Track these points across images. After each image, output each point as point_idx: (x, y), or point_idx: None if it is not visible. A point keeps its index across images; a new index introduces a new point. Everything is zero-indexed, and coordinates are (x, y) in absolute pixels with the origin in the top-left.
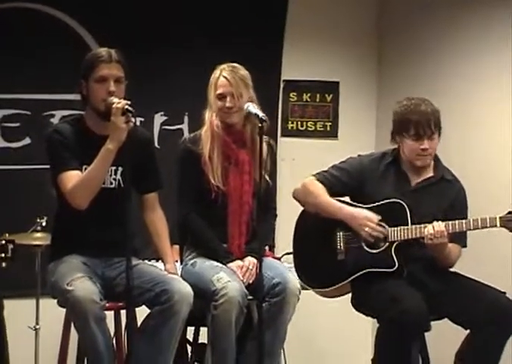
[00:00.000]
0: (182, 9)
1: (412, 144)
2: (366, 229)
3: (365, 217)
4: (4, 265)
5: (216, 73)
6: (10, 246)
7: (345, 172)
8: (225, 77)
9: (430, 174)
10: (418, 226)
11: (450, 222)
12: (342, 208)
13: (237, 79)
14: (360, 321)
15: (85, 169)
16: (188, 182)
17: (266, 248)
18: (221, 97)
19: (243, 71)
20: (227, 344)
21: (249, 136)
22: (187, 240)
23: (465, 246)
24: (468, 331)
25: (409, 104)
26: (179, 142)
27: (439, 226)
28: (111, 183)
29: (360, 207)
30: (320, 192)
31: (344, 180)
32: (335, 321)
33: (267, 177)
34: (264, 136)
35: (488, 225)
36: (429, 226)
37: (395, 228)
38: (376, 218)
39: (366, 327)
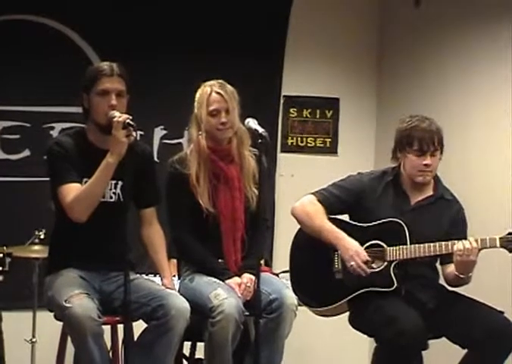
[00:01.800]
0: (184, 25)
1: (415, 159)
2: (352, 263)
3: (355, 252)
4: (0, 278)
5: (206, 90)
6: (8, 260)
7: (345, 190)
8: (218, 93)
9: (430, 193)
10: (417, 245)
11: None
12: (337, 235)
13: (229, 94)
14: (357, 339)
15: (86, 182)
16: (178, 203)
17: (262, 262)
18: (214, 114)
19: (231, 87)
20: (223, 360)
21: (236, 151)
22: (183, 256)
23: None
24: (466, 350)
25: (414, 120)
26: (166, 164)
27: (472, 243)
28: (111, 197)
29: (358, 226)
30: (319, 214)
31: (344, 198)
32: (332, 339)
33: (256, 191)
34: (252, 149)
35: (488, 246)
36: (460, 243)
37: (394, 248)
38: (364, 256)
39: (363, 345)
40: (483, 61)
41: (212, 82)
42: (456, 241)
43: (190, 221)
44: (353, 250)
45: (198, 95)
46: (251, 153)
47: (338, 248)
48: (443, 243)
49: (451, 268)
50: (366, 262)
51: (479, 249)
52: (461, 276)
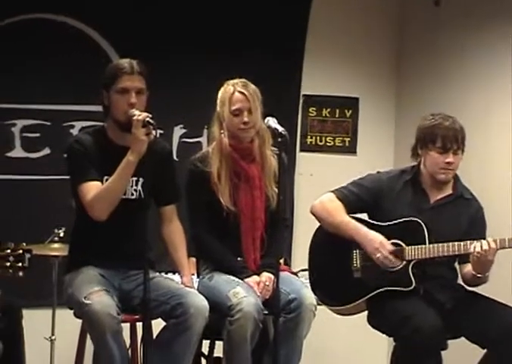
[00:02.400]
0: (204, 22)
1: (437, 157)
2: (378, 255)
3: (380, 243)
4: (21, 274)
5: (229, 89)
6: (28, 256)
7: (364, 189)
8: (240, 92)
9: (449, 191)
10: (436, 245)
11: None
12: (359, 229)
13: (252, 93)
14: (376, 339)
15: (106, 180)
16: (198, 201)
17: (281, 261)
18: (237, 114)
19: (254, 86)
20: (242, 359)
21: (258, 150)
22: (202, 254)
23: None
24: (485, 350)
25: (437, 118)
26: (187, 162)
27: (489, 243)
28: (132, 194)
29: (377, 225)
30: (338, 210)
31: (363, 197)
32: (351, 338)
33: (276, 190)
34: (273, 148)
35: (507, 246)
36: (477, 243)
37: (413, 247)
38: (390, 246)
39: (382, 345)
40: (504, 60)
41: (235, 81)
42: (474, 241)
43: (210, 219)
44: (377, 242)
45: (220, 93)
46: (273, 152)
47: (361, 242)
48: (462, 242)
49: (468, 268)
50: (392, 253)
51: (498, 249)
52: (478, 275)
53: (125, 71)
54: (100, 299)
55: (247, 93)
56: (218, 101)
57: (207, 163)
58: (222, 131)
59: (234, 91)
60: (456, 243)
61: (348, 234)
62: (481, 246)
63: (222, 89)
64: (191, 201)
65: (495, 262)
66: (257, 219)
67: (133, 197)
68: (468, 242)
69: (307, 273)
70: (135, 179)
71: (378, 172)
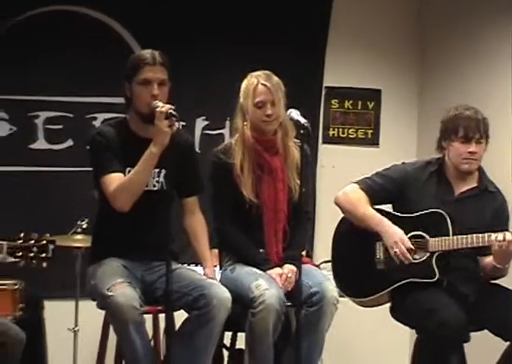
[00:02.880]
0: (226, 14)
1: (460, 147)
2: (396, 250)
3: (399, 238)
4: (44, 265)
5: (252, 81)
6: (51, 247)
7: (389, 179)
8: (264, 85)
9: (474, 184)
10: (460, 236)
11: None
12: (381, 222)
13: (275, 85)
14: (398, 331)
15: (129, 172)
16: (222, 193)
17: (304, 253)
18: (260, 106)
19: (277, 78)
20: (265, 351)
21: (281, 142)
22: (225, 246)
23: None
24: (508, 342)
25: (459, 109)
26: (210, 154)
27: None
28: (154, 186)
29: (401, 217)
30: (362, 201)
31: (388, 188)
32: (373, 331)
33: (299, 182)
34: (296, 140)
35: None
36: (500, 234)
37: (437, 239)
38: (408, 243)
39: (404, 337)
40: None
41: (258, 73)
42: (497, 233)
43: (233, 211)
44: (397, 237)
45: (244, 85)
46: (296, 144)
47: (381, 234)
48: (485, 234)
49: (489, 259)
50: (409, 250)
51: None
52: (498, 266)
53: (147, 62)
54: (123, 290)
55: (270, 85)
56: (241, 92)
57: (230, 155)
58: (245, 123)
59: (258, 83)
60: (480, 235)
61: (370, 226)
62: (504, 237)
63: (245, 80)
64: (214, 192)
65: None
66: (279, 211)
67: (155, 189)
68: (492, 233)
69: (329, 265)
70: (157, 170)
71: (403, 163)
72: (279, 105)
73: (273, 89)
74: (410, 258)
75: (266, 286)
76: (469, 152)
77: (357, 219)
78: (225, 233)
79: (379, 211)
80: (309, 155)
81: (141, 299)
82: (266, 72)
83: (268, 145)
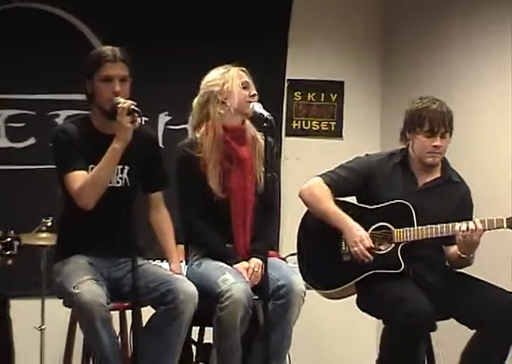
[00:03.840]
0: (186, 8)
1: (424, 140)
2: (355, 249)
3: (359, 237)
4: (10, 262)
5: (230, 68)
6: (16, 243)
7: (353, 172)
8: (243, 71)
9: (438, 175)
10: (425, 227)
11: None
12: (343, 219)
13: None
14: (365, 322)
15: (92, 169)
16: (188, 188)
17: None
18: (245, 86)
19: None
20: (232, 345)
21: (248, 131)
22: (192, 241)
23: None
24: (474, 331)
25: (424, 101)
26: (175, 148)
27: (476, 223)
28: (118, 182)
29: (365, 208)
30: (326, 197)
31: (352, 180)
32: (340, 322)
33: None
34: (260, 133)
35: (494, 226)
36: (464, 223)
37: (401, 229)
38: (368, 243)
39: (371, 328)
40: (491, 43)
41: (226, 65)
42: (462, 222)
43: (200, 205)
44: (357, 236)
45: (216, 74)
46: (262, 136)
47: (343, 232)
48: (449, 224)
49: (454, 249)
50: (369, 249)
51: (485, 230)
52: (463, 256)
53: (108, 59)
54: (89, 288)
55: (247, 71)
56: (216, 81)
57: (195, 149)
58: (222, 108)
59: (237, 69)
60: (444, 225)
61: (332, 223)
62: (467, 227)
63: (215, 71)
64: (180, 187)
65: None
66: (248, 201)
67: (119, 185)
68: (456, 223)
69: (295, 257)
70: (120, 167)
71: (366, 155)
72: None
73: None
74: (370, 256)
75: (233, 280)
76: (434, 146)
77: (320, 215)
78: (192, 228)
79: (345, 203)
80: (273, 147)
81: (107, 296)
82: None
83: (237, 134)
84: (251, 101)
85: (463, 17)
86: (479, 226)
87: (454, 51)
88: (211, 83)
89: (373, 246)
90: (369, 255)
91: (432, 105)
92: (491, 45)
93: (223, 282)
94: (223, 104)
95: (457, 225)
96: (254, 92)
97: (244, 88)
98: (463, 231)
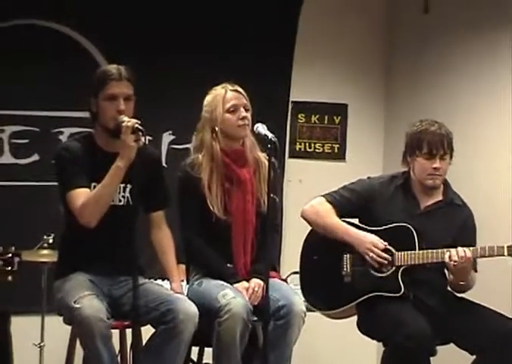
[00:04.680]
0: (191, 28)
1: (424, 163)
2: (371, 254)
3: (371, 242)
4: (10, 278)
5: (219, 91)
6: (17, 260)
7: (355, 193)
8: (234, 90)
9: (439, 197)
10: (426, 251)
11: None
12: (350, 230)
13: (244, 93)
14: (365, 344)
15: (94, 187)
16: (189, 208)
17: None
18: (233, 110)
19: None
20: (232, 362)
21: (249, 153)
22: (193, 260)
23: (476, 271)
24: (474, 356)
25: (423, 124)
26: (178, 168)
27: (464, 251)
28: (120, 201)
29: (367, 230)
30: (329, 213)
31: (354, 202)
32: (341, 344)
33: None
34: (263, 154)
35: (495, 254)
36: (453, 251)
37: (402, 253)
38: (382, 244)
39: (371, 350)
40: (492, 66)
41: (222, 85)
42: (451, 249)
43: (200, 225)
44: (368, 241)
45: (209, 98)
46: (265, 156)
47: (352, 243)
48: (444, 250)
49: None
50: (385, 250)
51: (484, 257)
52: (461, 283)
53: (113, 77)
54: (90, 303)
55: (240, 90)
56: (207, 106)
57: (197, 169)
58: (214, 136)
59: (226, 91)
60: (439, 251)
61: (339, 236)
62: (457, 254)
63: (208, 96)
64: (182, 207)
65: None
66: (248, 223)
67: (121, 204)
68: (445, 249)
69: (296, 277)
70: (123, 185)
71: (368, 177)
72: (250, 113)
73: (244, 94)
74: (388, 257)
75: (233, 295)
76: (434, 168)
77: (325, 230)
78: (192, 248)
79: (347, 223)
80: (277, 168)
81: (108, 311)
82: (231, 83)
83: (237, 156)
84: (241, 125)
85: (464, 43)
86: (468, 254)
87: (455, 76)
88: (204, 108)
89: (386, 244)
90: (386, 255)
91: (431, 127)
92: (492, 68)
93: (222, 297)
94: (214, 131)
95: (446, 254)
96: (244, 114)
97: (232, 111)
98: (453, 261)
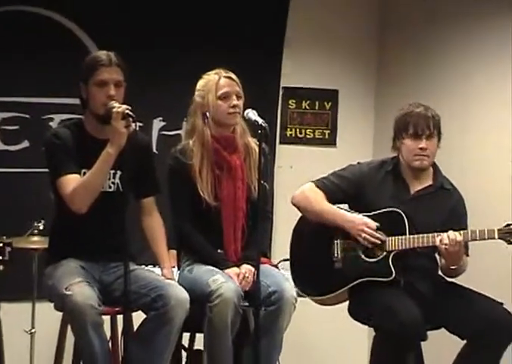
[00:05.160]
0: (182, 14)
1: (410, 144)
2: (364, 235)
3: (364, 223)
4: (1, 267)
5: (213, 77)
6: (8, 249)
7: (345, 179)
8: (227, 77)
9: (429, 182)
10: (416, 236)
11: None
12: (341, 214)
13: (237, 80)
14: (356, 330)
15: (84, 173)
16: (180, 194)
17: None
18: (225, 96)
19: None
20: (223, 349)
21: (240, 139)
22: (183, 246)
23: (468, 255)
24: (464, 341)
25: (409, 107)
26: (168, 154)
27: (455, 235)
28: (110, 187)
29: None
30: (319, 198)
31: (344, 188)
32: (331, 330)
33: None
34: (255, 140)
35: (486, 237)
36: (444, 235)
37: (393, 237)
38: (374, 224)
39: (362, 336)
40: (484, 52)
41: (216, 70)
42: (441, 233)
43: (191, 212)
44: (361, 222)
45: (202, 83)
46: (256, 144)
47: (344, 226)
48: (434, 234)
49: None
50: (377, 229)
51: (475, 240)
52: (452, 267)
53: (103, 63)
54: (81, 289)
55: (234, 77)
56: (199, 91)
57: (187, 155)
58: (206, 121)
59: (219, 77)
60: (430, 235)
61: (330, 221)
62: (448, 237)
63: (202, 80)
64: (173, 193)
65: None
66: (238, 209)
67: (111, 190)
68: (441, 233)
69: (287, 263)
70: (112, 172)
71: (358, 163)
72: (242, 100)
73: (237, 81)
74: (381, 236)
75: (223, 280)
76: (420, 148)
77: (315, 215)
78: (183, 234)
79: (338, 209)
80: (268, 154)
81: (99, 298)
82: (224, 70)
83: (227, 143)
84: (231, 113)
85: (456, 27)
86: (459, 238)
87: (447, 62)
88: (197, 92)
89: (378, 224)
90: (380, 236)
91: (416, 109)
92: (485, 55)
93: (213, 282)
94: (205, 116)
95: (437, 238)
96: (235, 102)
97: (224, 98)
98: (444, 244)
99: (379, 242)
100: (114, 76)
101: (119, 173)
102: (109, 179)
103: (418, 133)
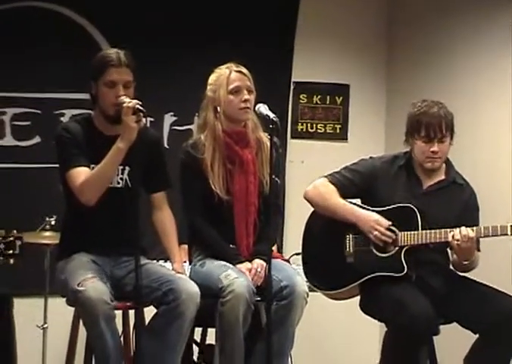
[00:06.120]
0: (193, 10)
1: (422, 146)
2: (375, 233)
3: (375, 220)
4: (12, 261)
5: (224, 71)
6: (18, 243)
7: (357, 174)
8: (238, 71)
9: (442, 177)
10: (429, 231)
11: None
12: (353, 210)
13: (248, 75)
14: (368, 325)
15: (93, 168)
16: (191, 188)
17: (274, 248)
18: (236, 91)
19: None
20: (235, 344)
21: (252, 134)
22: (195, 241)
23: (479, 250)
24: (477, 335)
25: (422, 105)
26: (180, 149)
27: (467, 231)
28: (118, 183)
29: (370, 210)
30: (332, 193)
31: (356, 182)
32: (343, 324)
33: (274, 176)
34: (266, 134)
35: (498, 233)
36: (456, 230)
37: (406, 232)
38: (386, 222)
39: (374, 331)
40: (493, 46)
41: (227, 64)
42: (453, 229)
43: (203, 206)
44: (372, 220)
45: (213, 78)
46: (267, 136)
47: (356, 222)
48: (447, 229)
49: None
50: (389, 228)
51: (488, 237)
52: (464, 263)
53: (112, 64)
54: (93, 285)
55: (245, 72)
56: (211, 86)
57: (199, 150)
58: (217, 116)
59: (230, 72)
60: (442, 231)
61: (342, 216)
62: (460, 233)
63: (213, 74)
64: (184, 187)
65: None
66: (250, 204)
67: (119, 186)
68: (448, 229)
69: (299, 257)
70: (121, 168)
71: (371, 157)
72: (253, 95)
73: (248, 75)
74: (392, 235)
75: (235, 275)
76: (432, 152)
77: (328, 210)
78: (195, 228)
79: (351, 204)
80: (279, 148)
81: (111, 293)
82: (235, 64)
83: (239, 137)
84: (242, 108)
85: (467, 22)
86: (471, 234)
87: (457, 55)
88: (208, 87)
89: (390, 223)
90: (391, 234)
91: (430, 109)
92: (495, 49)
93: (225, 277)
94: (216, 110)
95: (449, 234)
96: (246, 97)
97: (235, 92)
98: (456, 240)
99: (390, 240)
100: (124, 77)
101: (127, 169)
102: (117, 174)
103: (430, 136)
